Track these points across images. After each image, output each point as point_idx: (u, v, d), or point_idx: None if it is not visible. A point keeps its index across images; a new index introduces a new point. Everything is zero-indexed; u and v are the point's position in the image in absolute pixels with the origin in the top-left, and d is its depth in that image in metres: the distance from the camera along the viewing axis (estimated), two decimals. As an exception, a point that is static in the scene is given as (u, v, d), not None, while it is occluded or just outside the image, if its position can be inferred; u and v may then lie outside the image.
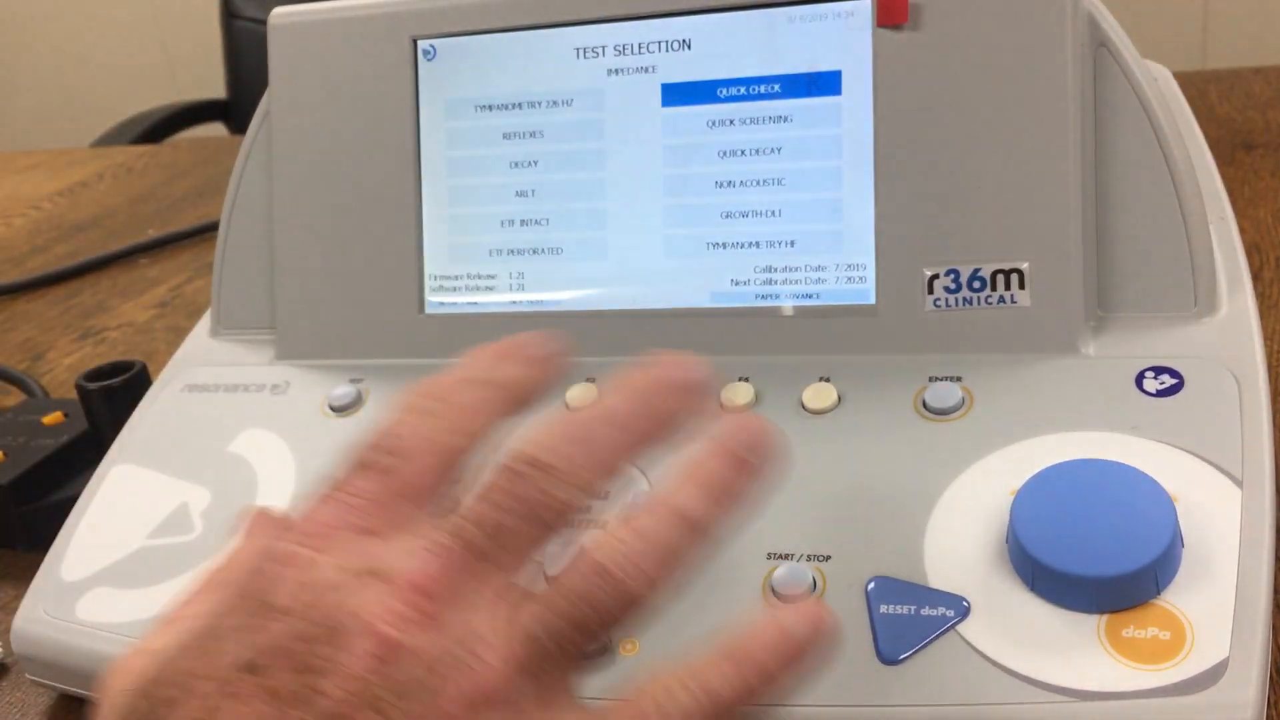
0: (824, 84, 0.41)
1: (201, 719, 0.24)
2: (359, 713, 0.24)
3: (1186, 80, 0.95)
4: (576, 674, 0.27)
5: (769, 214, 0.42)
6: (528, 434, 0.28)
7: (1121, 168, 0.40)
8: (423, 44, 0.46)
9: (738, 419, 0.29)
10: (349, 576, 0.26)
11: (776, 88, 0.42)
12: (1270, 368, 0.52)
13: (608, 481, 0.28)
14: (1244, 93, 0.88)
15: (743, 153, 0.42)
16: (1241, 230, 0.65)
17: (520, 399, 0.30)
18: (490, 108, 0.45)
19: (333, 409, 0.45)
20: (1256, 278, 0.59)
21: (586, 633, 0.26)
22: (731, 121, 0.43)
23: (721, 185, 0.43)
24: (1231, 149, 0.77)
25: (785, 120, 0.42)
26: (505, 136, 0.45)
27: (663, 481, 0.28)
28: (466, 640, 0.26)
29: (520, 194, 0.45)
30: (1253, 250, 0.62)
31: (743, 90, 0.42)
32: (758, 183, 0.42)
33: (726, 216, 0.43)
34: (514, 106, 0.45)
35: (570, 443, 0.28)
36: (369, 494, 0.28)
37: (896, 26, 0.40)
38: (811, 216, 0.42)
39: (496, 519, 0.27)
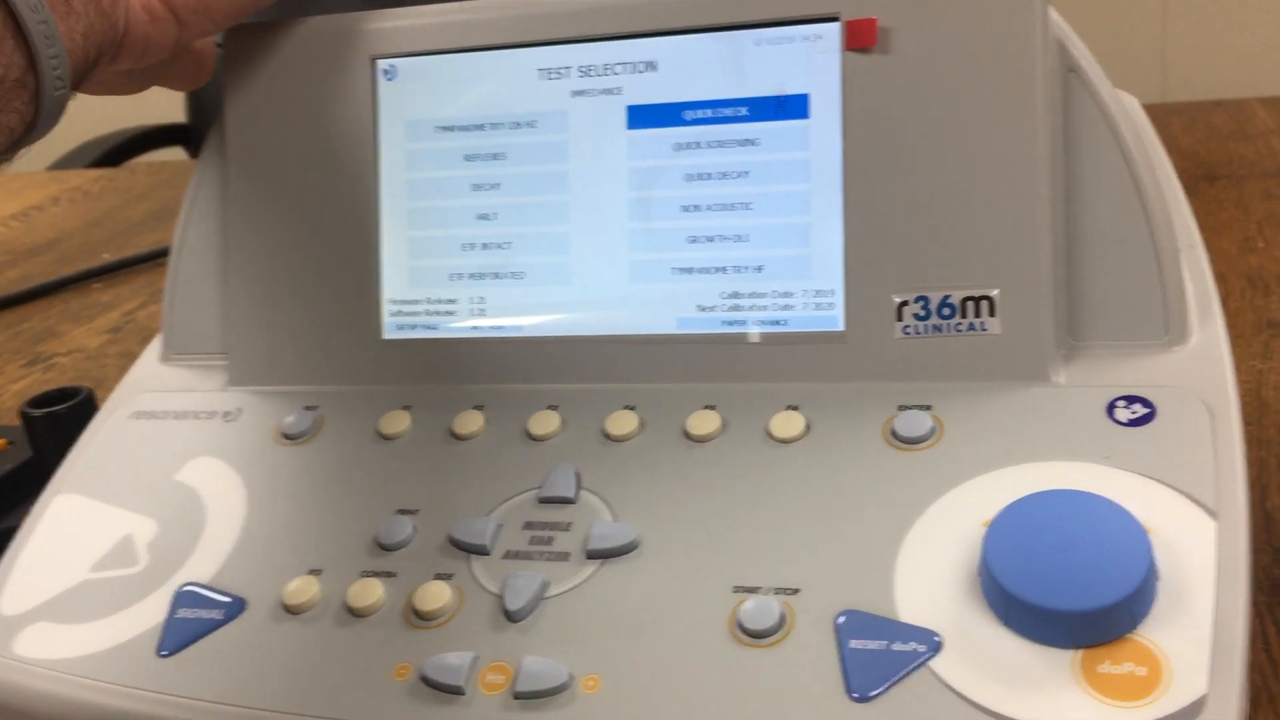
0: (791, 107, 0.41)
1: None
2: None
3: (1150, 113, 0.96)
4: None
5: (736, 239, 0.42)
6: None
7: (1092, 194, 0.39)
8: (382, 64, 0.45)
9: None
10: None
11: (743, 111, 0.41)
12: (1239, 385, 0.51)
13: None
14: (1205, 125, 0.89)
15: (709, 176, 0.42)
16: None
17: None
18: (452, 129, 0.44)
19: (286, 436, 0.44)
20: (1222, 307, 0.59)
21: None
22: (698, 144, 0.42)
23: (688, 209, 0.42)
24: (1195, 180, 0.77)
25: (752, 144, 0.41)
26: (467, 158, 0.44)
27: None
28: None
29: (482, 217, 0.44)
30: (1218, 279, 0.62)
31: (709, 113, 0.42)
32: (724, 207, 0.42)
33: (693, 241, 0.42)
34: (476, 128, 0.44)
35: None
36: None
37: (865, 50, 0.40)
38: (779, 242, 0.41)
39: None
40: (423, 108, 0.45)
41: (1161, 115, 0.93)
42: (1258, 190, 0.74)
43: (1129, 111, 0.43)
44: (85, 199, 1.13)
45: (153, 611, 0.39)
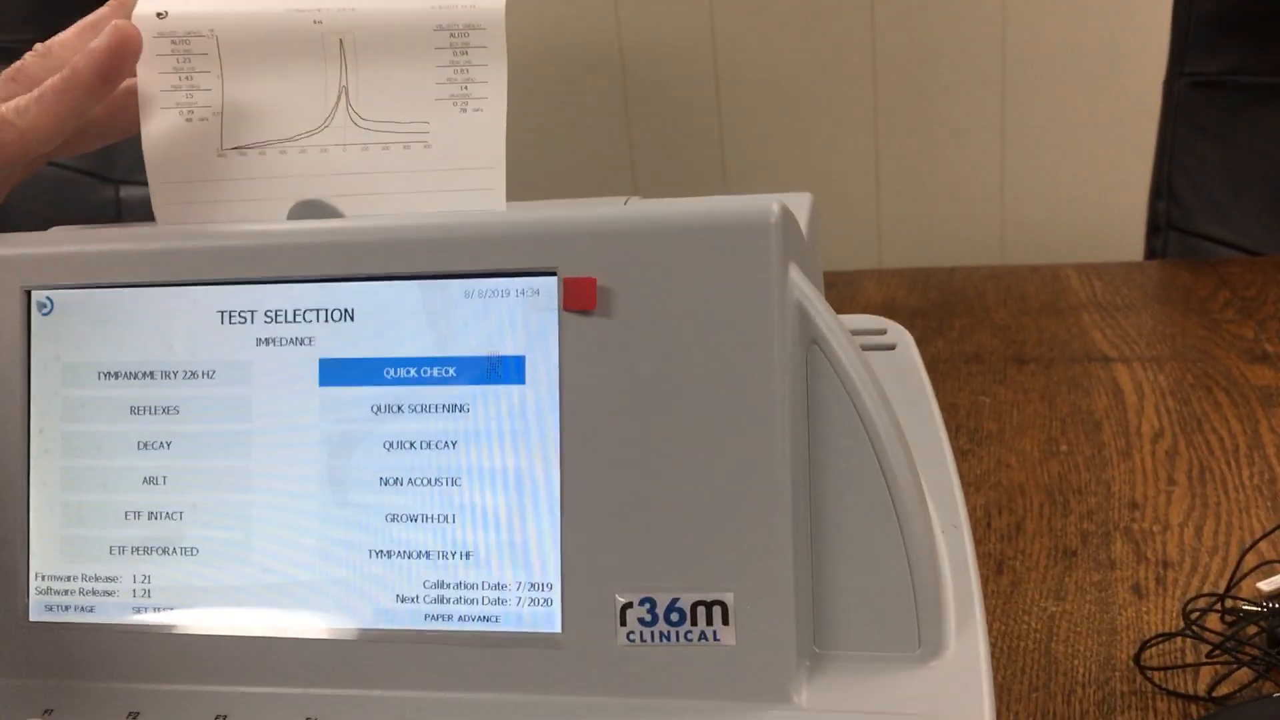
0: (505, 370, 0.35)
1: None
2: None
3: (965, 277, 0.94)
4: None
5: (441, 519, 0.36)
6: None
7: (837, 484, 0.35)
8: (37, 296, 0.38)
9: None
10: None
11: (451, 371, 0.36)
12: (1029, 634, 0.47)
13: None
14: (1019, 295, 0.87)
15: (412, 445, 0.36)
16: (1007, 466, 0.62)
17: None
18: (116, 375, 0.38)
19: (-109, 752, 0.36)
20: (1018, 530, 0.55)
21: None
22: (400, 408, 0.36)
23: (387, 482, 0.36)
24: (1004, 364, 0.75)
25: (461, 410, 0.36)
26: (133, 411, 0.38)
27: None
28: None
29: (149, 481, 0.37)
30: (1017, 493, 0.59)
31: (413, 372, 0.36)
32: (429, 481, 0.36)
33: (392, 519, 0.36)
34: (145, 375, 0.38)
35: None
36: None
37: (585, 312, 0.35)
38: (490, 525, 0.35)
39: None
40: (83, 349, 0.38)
41: (978, 281, 0.92)
42: (1065, 379, 0.71)
43: (900, 352, 0.39)
44: None
45: None
